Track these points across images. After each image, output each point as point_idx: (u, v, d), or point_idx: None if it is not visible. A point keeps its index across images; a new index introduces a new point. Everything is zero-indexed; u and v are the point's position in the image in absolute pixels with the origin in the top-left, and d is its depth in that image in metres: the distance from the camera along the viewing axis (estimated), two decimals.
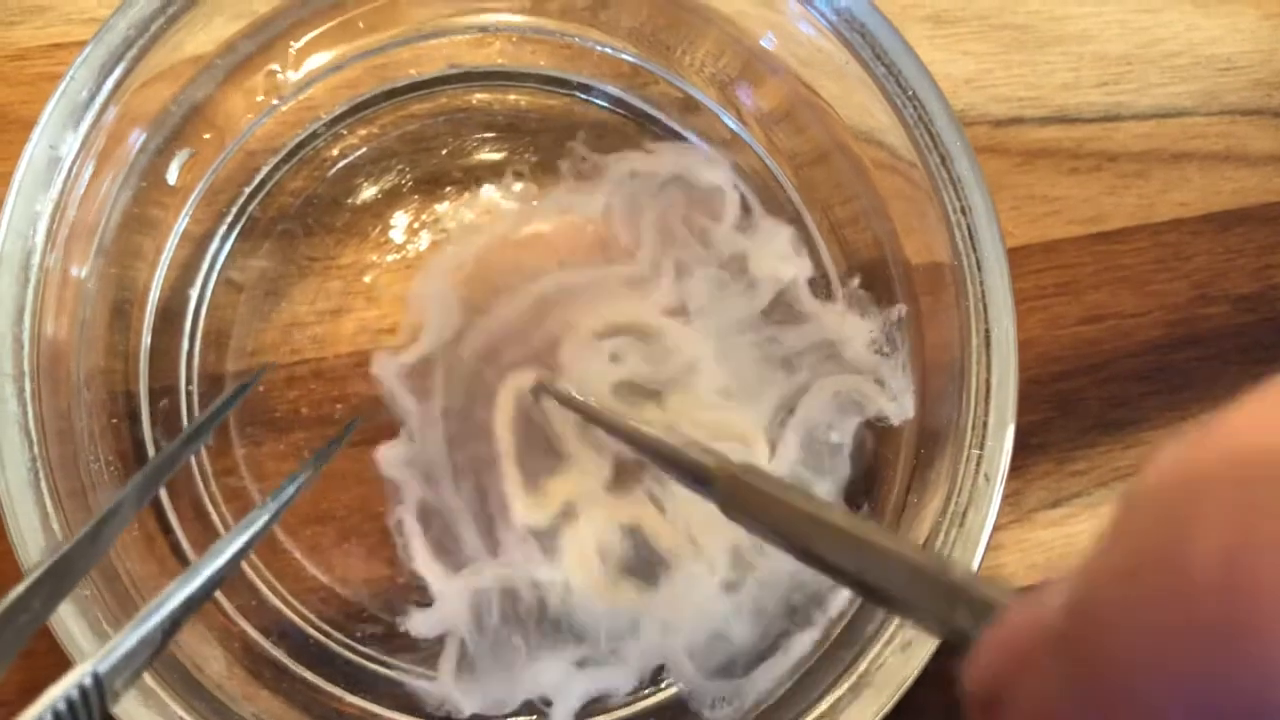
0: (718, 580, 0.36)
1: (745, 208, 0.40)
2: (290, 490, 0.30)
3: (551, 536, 0.36)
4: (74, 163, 0.32)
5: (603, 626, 0.36)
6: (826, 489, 0.37)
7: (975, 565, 0.32)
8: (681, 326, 0.38)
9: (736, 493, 0.25)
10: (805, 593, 0.36)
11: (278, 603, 0.37)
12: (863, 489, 0.38)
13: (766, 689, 0.35)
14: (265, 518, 0.29)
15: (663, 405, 0.38)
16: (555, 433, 0.37)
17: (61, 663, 0.29)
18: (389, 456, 0.37)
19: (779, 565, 0.36)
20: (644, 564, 0.37)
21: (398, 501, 0.37)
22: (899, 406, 0.37)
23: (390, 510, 0.37)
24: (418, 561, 0.36)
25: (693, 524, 0.37)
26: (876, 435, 0.38)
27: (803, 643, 0.35)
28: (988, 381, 0.33)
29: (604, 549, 0.36)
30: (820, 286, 0.39)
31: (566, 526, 0.37)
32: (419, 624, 0.36)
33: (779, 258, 0.39)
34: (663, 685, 0.37)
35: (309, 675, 0.36)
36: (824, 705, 0.31)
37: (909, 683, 0.31)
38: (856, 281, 0.39)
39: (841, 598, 0.36)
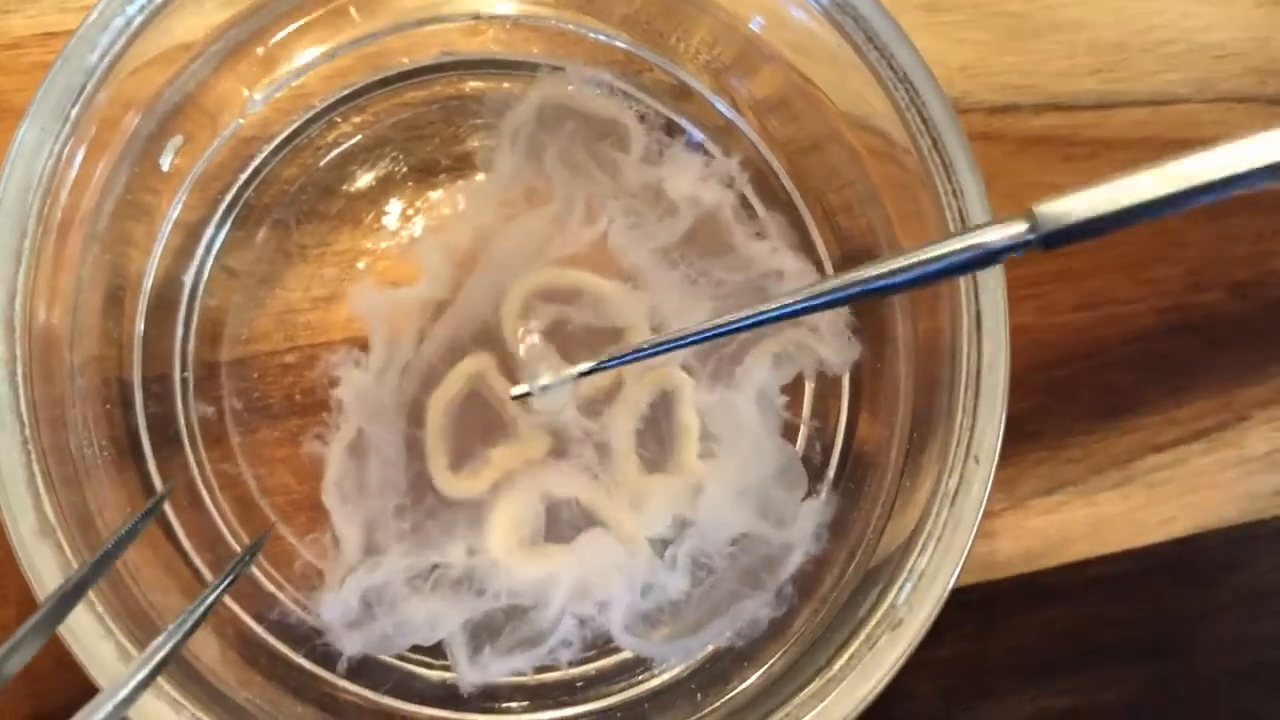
0: (647, 535, 0.36)
1: (662, 135, 0.39)
2: (199, 612, 0.28)
3: (476, 509, 0.36)
4: (66, 149, 0.32)
5: (507, 586, 0.36)
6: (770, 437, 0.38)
7: (967, 548, 0.32)
8: (606, 282, 0.38)
9: (1056, 228, 0.26)
10: (755, 554, 0.36)
11: (272, 588, 0.37)
12: (855, 474, 0.38)
13: (709, 645, 0.36)
14: (176, 638, 0.27)
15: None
16: (501, 410, 0.37)
17: (57, 646, 0.29)
18: (347, 378, 0.36)
19: (720, 519, 0.36)
20: (571, 532, 0.37)
21: (335, 426, 0.36)
22: (838, 353, 0.37)
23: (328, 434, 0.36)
24: (328, 494, 0.36)
25: (631, 491, 0.37)
26: (871, 420, 0.38)
27: (751, 607, 0.36)
28: (979, 364, 0.34)
29: (524, 520, 0.36)
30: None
31: (494, 499, 0.36)
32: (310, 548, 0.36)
33: (696, 180, 0.38)
34: (657, 671, 0.38)
35: (303, 661, 0.36)
36: (814, 686, 0.31)
37: (901, 662, 0.31)
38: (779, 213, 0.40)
39: (793, 563, 0.36)
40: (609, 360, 0.33)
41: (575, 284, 0.38)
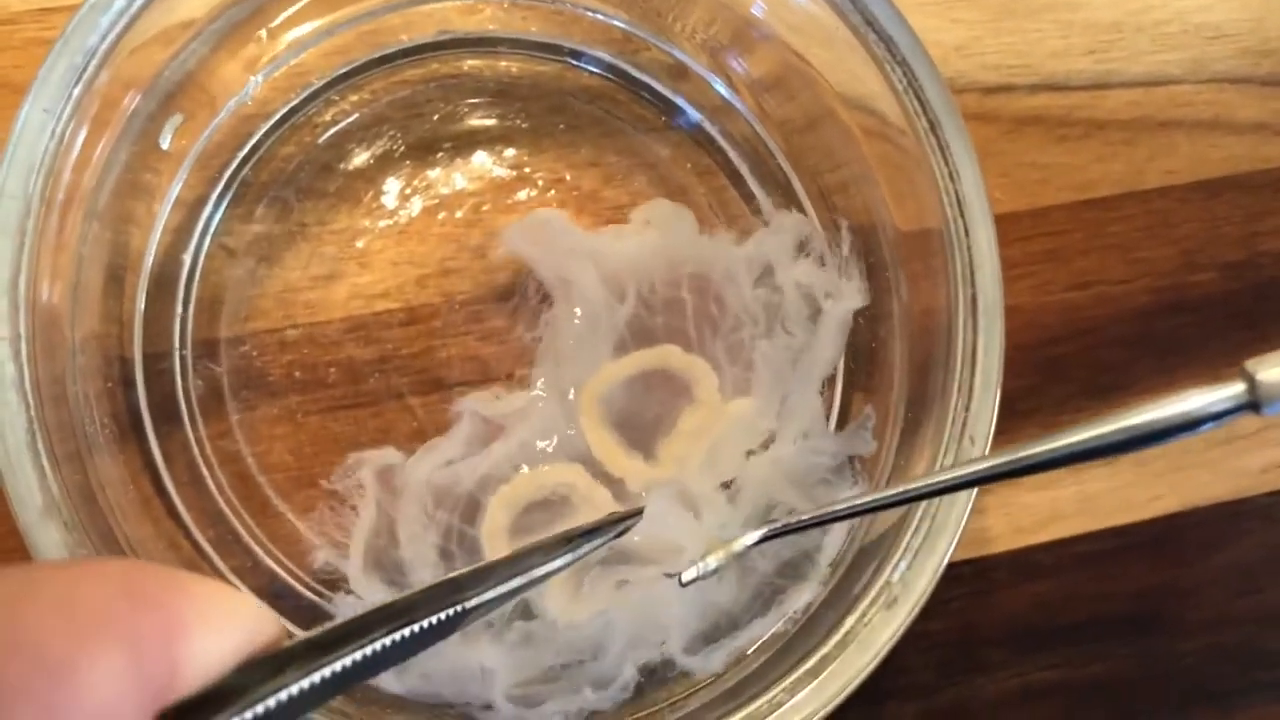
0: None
1: None
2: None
3: None
4: (67, 127, 0.32)
5: (566, 642, 0.35)
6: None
7: (961, 527, 0.33)
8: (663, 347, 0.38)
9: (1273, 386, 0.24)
10: (796, 548, 0.36)
11: (272, 564, 0.37)
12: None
13: (756, 639, 0.35)
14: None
15: None
16: (585, 510, 0.36)
17: None
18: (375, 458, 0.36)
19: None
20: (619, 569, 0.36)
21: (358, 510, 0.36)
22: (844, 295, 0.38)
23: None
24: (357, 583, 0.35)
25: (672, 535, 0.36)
26: (867, 399, 0.38)
27: (799, 597, 0.35)
28: (974, 344, 0.34)
29: (580, 574, 0.35)
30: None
31: None
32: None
33: None
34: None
35: (303, 635, 0.36)
36: (810, 662, 0.31)
37: (894, 639, 0.32)
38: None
39: (832, 547, 0.36)
40: (779, 528, 0.31)
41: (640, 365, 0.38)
